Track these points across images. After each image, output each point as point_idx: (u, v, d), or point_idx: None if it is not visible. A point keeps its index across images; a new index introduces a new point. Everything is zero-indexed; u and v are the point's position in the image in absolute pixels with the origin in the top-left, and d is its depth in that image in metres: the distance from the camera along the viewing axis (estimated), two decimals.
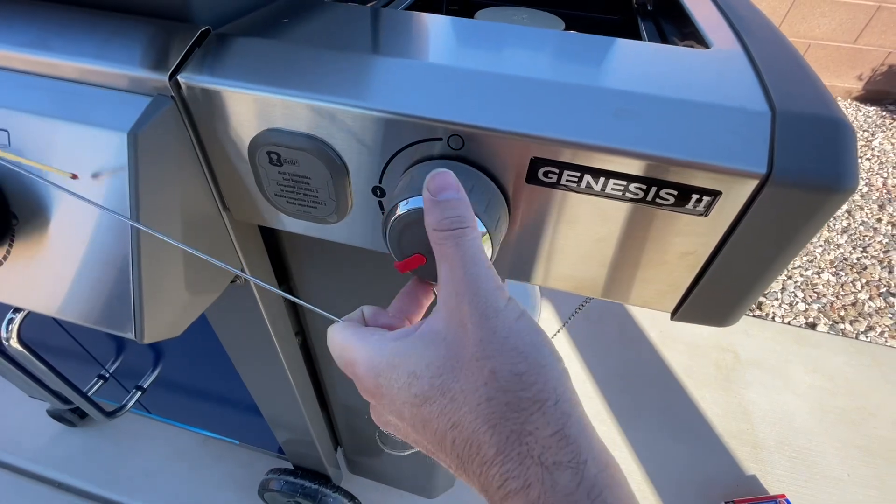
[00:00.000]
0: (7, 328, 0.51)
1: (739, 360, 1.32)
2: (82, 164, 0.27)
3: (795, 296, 1.56)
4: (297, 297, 0.44)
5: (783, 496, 1.01)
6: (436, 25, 0.31)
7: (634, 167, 0.23)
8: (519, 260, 0.30)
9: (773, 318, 1.48)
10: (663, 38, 0.44)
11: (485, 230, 0.23)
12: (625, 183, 0.23)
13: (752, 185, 0.22)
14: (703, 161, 0.22)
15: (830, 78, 2.70)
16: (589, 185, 0.24)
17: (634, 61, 0.28)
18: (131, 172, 0.26)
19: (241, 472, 0.96)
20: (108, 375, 0.75)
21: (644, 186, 0.23)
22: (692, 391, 1.24)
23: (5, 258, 0.31)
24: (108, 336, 0.70)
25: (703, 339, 1.37)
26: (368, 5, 0.43)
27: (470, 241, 0.20)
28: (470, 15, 0.50)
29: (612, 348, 1.32)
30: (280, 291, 0.26)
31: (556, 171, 0.24)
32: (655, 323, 1.39)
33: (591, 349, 1.31)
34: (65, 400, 0.74)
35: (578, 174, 0.24)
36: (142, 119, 0.26)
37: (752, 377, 1.28)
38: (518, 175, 0.25)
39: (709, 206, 0.23)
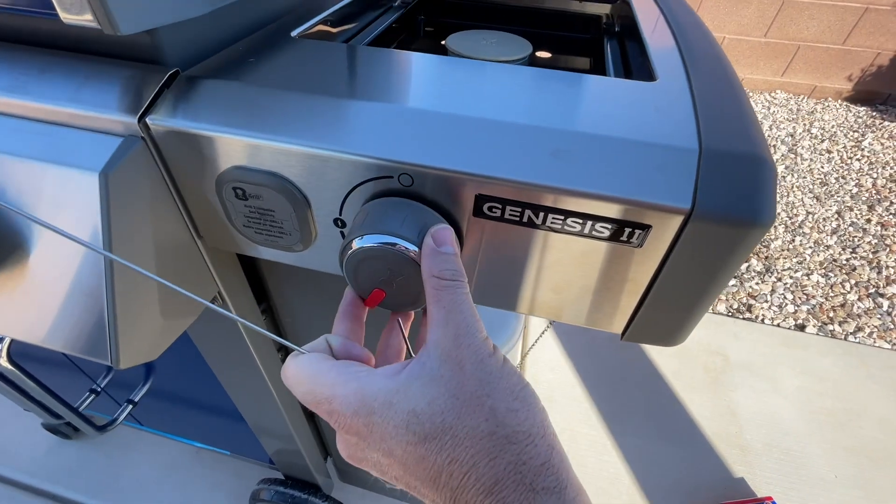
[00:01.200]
0: None
1: (729, 363, 1.34)
2: (58, 202, 0.29)
3: (785, 297, 1.57)
4: (263, 321, 0.45)
5: (770, 498, 1.03)
6: (394, 64, 0.32)
7: (570, 203, 0.24)
8: (476, 285, 0.31)
9: (762, 320, 1.50)
10: (624, 59, 0.46)
11: None
12: (562, 217, 0.25)
13: (679, 220, 0.23)
14: (632, 197, 0.24)
15: (820, 79, 2.73)
16: (530, 219, 0.26)
17: (580, 98, 0.29)
18: (103, 209, 0.28)
19: (233, 482, 0.97)
20: (99, 389, 0.77)
21: (580, 220, 0.25)
22: (681, 394, 1.25)
23: None
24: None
25: (693, 342, 1.38)
26: (348, 29, 0.45)
27: (466, 293, 0.23)
28: (444, 36, 0.51)
29: (601, 351, 1.33)
30: (233, 315, 0.27)
31: (500, 206, 0.26)
32: None
33: (581, 352, 1.33)
34: (56, 415, 0.76)
35: (519, 209, 0.25)
36: (112, 159, 0.28)
37: (741, 380, 1.30)
38: (466, 209, 0.27)
39: (642, 239, 0.25)
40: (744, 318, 1.49)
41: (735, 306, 1.54)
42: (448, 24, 0.62)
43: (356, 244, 0.25)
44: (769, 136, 2.43)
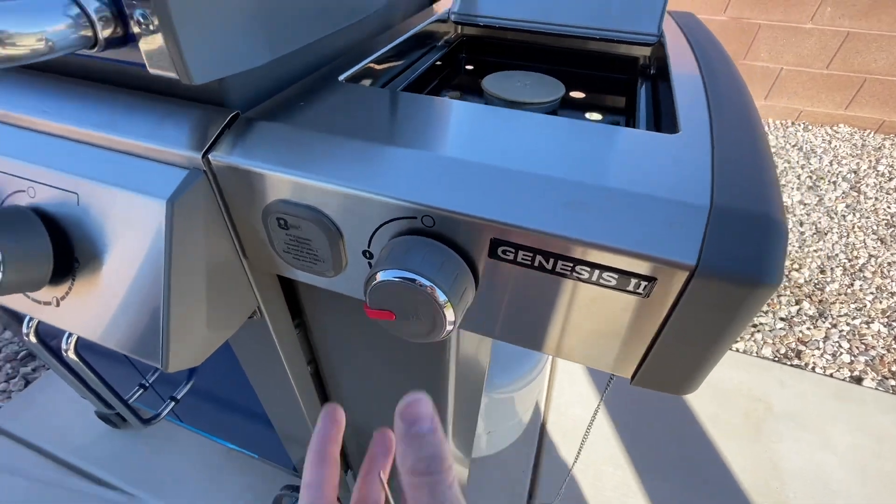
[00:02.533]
0: (66, 341, 0.59)
1: (772, 412, 1.26)
2: (131, 222, 0.33)
3: (840, 346, 1.46)
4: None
5: None
6: (427, 111, 0.35)
7: (578, 252, 0.26)
8: (491, 319, 0.33)
9: (812, 368, 1.40)
10: (655, 104, 0.47)
11: (445, 299, 0.27)
12: (571, 265, 0.26)
13: (684, 275, 0.24)
14: (638, 251, 0.25)
15: (889, 113, 2.56)
16: (541, 264, 0.27)
17: (600, 151, 0.31)
18: (167, 230, 0.32)
19: (260, 486, 1.01)
20: (147, 385, 0.83)
21: (588, 269, 0.26)
22: (717, 441, 1.19)
23: (67, 294, 0.37)
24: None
25: (734, 386, 1.31)
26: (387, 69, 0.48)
27: (447, 485, 0.20)
28: (484, 74, 0.54)
29: (634, 390, 1.29)
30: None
31: (513, 250, 0.27)
32: None
33: (613, 388, 1.29)
34: (109, 405, 0.82)
35: (531, 254, 0.27)
36: (178, 189, 0.32)
37: (786, 431, 1.21)
38: (482, 251, 0.29)
39: (648, 290, 0.26)
40: (792, 365, 1.40)
41: (783, 351, 1.45)
42: (488, 63, 0.66)
43: (379, 276, 0.28)
44: (829, 171, 2.30)
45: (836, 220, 1.97)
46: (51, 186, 0.35)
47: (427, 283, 0.27)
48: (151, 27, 0.27)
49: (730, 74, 0.44)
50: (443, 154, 0.30)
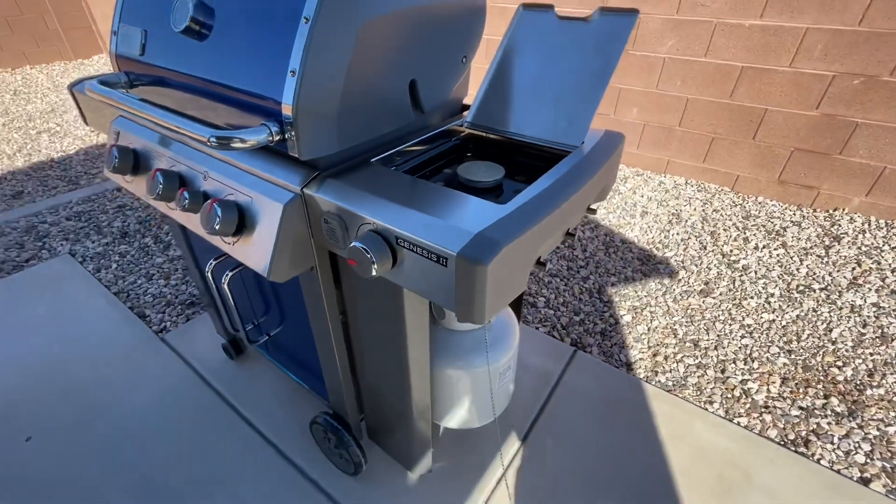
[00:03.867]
0: (224, 276, 1.09)
1: (750, 482, 1.32)
2: (267, 213, 0.78)
3: (859, 447, 1.44)
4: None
5: None
6: (405, 184, 0.76)
7: (424, 245, 0.63)
8: (399, 275, 0.71)
9: (818, 460, 1.41)
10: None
11: (373, 260, 0.66)
12: (423, 249, 0.64)
13: (455, 257, 0.60)
14: (440, 245, 0.61)
15: None
16: (411, 247, 0.65)
17: (462, 209, 0.68)
18: (281, 220, 0.76)
19: (307, 410, 1.43)
20: (256, 323, 1.32)
21: (426, 252, 0.63)
22: (683, 493, 1.30)
23: (236, 242, 0.84)
24: (261, 301, 1.27)
25: (718, 450, 1.40)
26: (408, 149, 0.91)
27: None
28: (483, 157, 0.93)
29: (615, 427, 1.46)
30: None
31: (403, 242, 0.66)
32: (669, 420, 1.47)
33: (593, 426, 1.47)
34: (235, 328, 1.33)
35: (409, 244, 0.65)
36: (289, 201, 0.76)
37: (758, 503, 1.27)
38: (392, 242, 0.67)
39: (444, 263, 0.62)
40: (794, 451, 1.43)
41: (790, 437, 1.48)
42: (483, 152, 1.05)
43: (352, 244, 0.68)
44: None
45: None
46: (240, 192, 0.83)
47: (368, 252, 0.66)
48: (290, 139, 0.73)
49: (578, 177, 0.77)
50: (395, 202, 0.70)
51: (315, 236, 0.82)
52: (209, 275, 1.15)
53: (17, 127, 3.69)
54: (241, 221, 0.83)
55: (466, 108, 1.10)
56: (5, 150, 3.33)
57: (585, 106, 0.91)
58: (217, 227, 0.80)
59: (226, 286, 1.10)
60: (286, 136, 0.74)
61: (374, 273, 0.67)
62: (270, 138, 0.74)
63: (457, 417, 1.20)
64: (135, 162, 1.05)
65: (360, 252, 0.66)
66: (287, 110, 0.72)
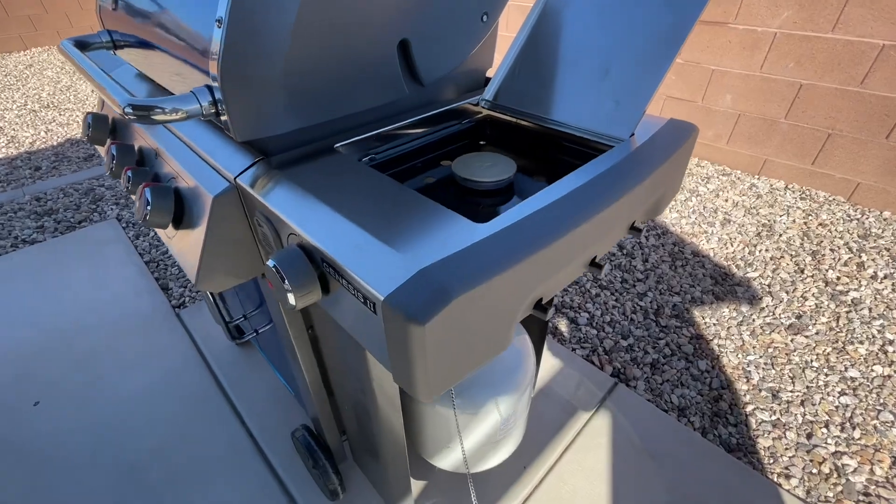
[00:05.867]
0: None
1: None
2: (199, 202, 0.62)
3: None
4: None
5: None
6: (356, 179, 0.55)
7: (346, 274, 0.42)
8: (331, 306, 0.51)
9: None
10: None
11: (290, 287, 0.47)
12: (344, 279, 0.43)
13: (381, 302, 0.39)
14: (369, 284, 0.40)
15: None
16: (336, 275, 0.45)
17: (424, 227, 0.46)
18: (211, 213, 0.59)
19: (297, 416, 1.31)
20: (246, 316, 1.20)
21: (347, 285, 0.43)
22: None
23: (174, 237, 0.69)
24: (249, 296, 1.14)
25: None
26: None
27: None
28: (497, 145, 0.70)
29: (648, 498, 1.18)
30: None
31: (326, 265, 0.45)
32: (725, 492, 1.17)
33: (626, 464, 1.20)
34: (225, 321, 1.22)
35: (332, 269, 0.45)
36: (219, 194, 0.59)
37: None
38: (318, 265, 0.47)
39: (372, 307, 0.41)
40: None
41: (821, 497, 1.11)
42: (501, 140, 0.81)
43: (269, 262, 0.49)
44: None
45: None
46: (182, 177, 0.67)
47: (281, 274, 0.47)
48: (222, 113, 0.55)
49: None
50: (335, 209, 0.50)
51: (256, 232, 0.64)
52: None
53: (80, 99, 3.91)
54: (181, 212, 0.67)
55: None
56: (77, 117, 3.57)
57: (642, 82, 0.64)
58: (147, 217, 0.65)
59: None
60: (219, 108, 0.57)
61: (292, 303, 0.48)
62: (201, 110, 0.57)
63: (449, 459, 1.00)
64: (112, 131, 0.94)
65: (272, 273, 0.47)
66: (214, 71, 0.54)
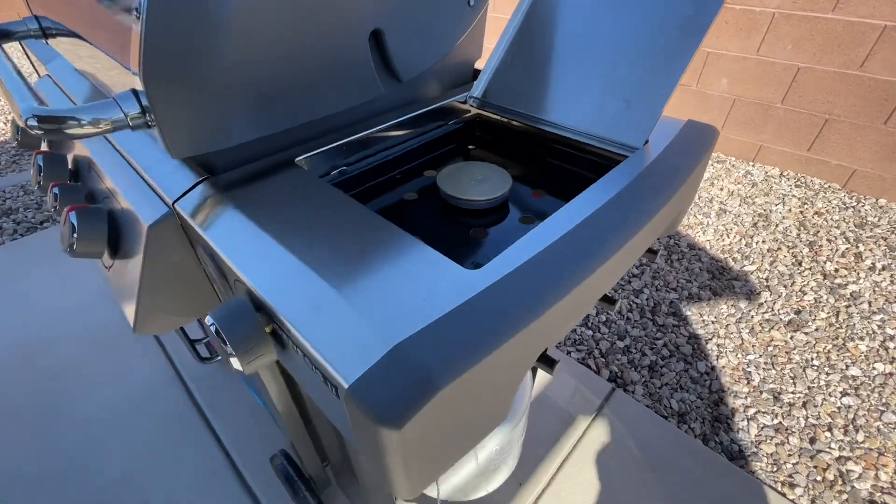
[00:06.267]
0: None
1: None
2: (134, 229, 0.51)
3: None
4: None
5: None
6: (330, 214, 0.45)
7: (301, 341, 0.33)
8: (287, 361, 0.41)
9: None
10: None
11: (233, 351, 0.37)
12: (294, 345, 0.34)
13: (344, 389, 0.30)
14: (329, 363, 0.31)
15: None
16: (288, 343, 0.35)
17: (394, 277, 0.37)
18: (147, 243, 0.49)
19: (277, 440, 1.23)
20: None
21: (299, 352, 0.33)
22: None
23: (112, 267, 0.58)
24: None
25: None
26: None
27: None
28: (486, 149, 0.60)
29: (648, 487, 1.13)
30: None
31: (279, 329, 0.36)
32: (728, 502, 1.12)
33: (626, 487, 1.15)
34: (190, 340, 1.11)
35: (286, 336, 0.35)
36: (155, 222, 0.49)
37: None
38: (270, 322, 0.38)
39: (335, 392, 0.32)
40: None
41: None
42: (493, 143, 0.71)
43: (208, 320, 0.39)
44: None
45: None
46: (116, 198, 0.56)
47: (222, 337, 0.37)
48: (153, 125, 0.44)
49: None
50: (286, 253, 0.40)
51: (202, 261, 0.54)
52: None
53: None
54: (117, 239, 0.57)
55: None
56: None
57: (656, 81, 0.54)
58: (74, 247, 0.55)
59: None
60: (148, 117, 0.46)
61: (238, 368, 0.38)
62: (127, 120, 0.46)
63: (438, 488, 0.93)
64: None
65: (212, 334, 0.38)
66: (137, 69, 0.43)
